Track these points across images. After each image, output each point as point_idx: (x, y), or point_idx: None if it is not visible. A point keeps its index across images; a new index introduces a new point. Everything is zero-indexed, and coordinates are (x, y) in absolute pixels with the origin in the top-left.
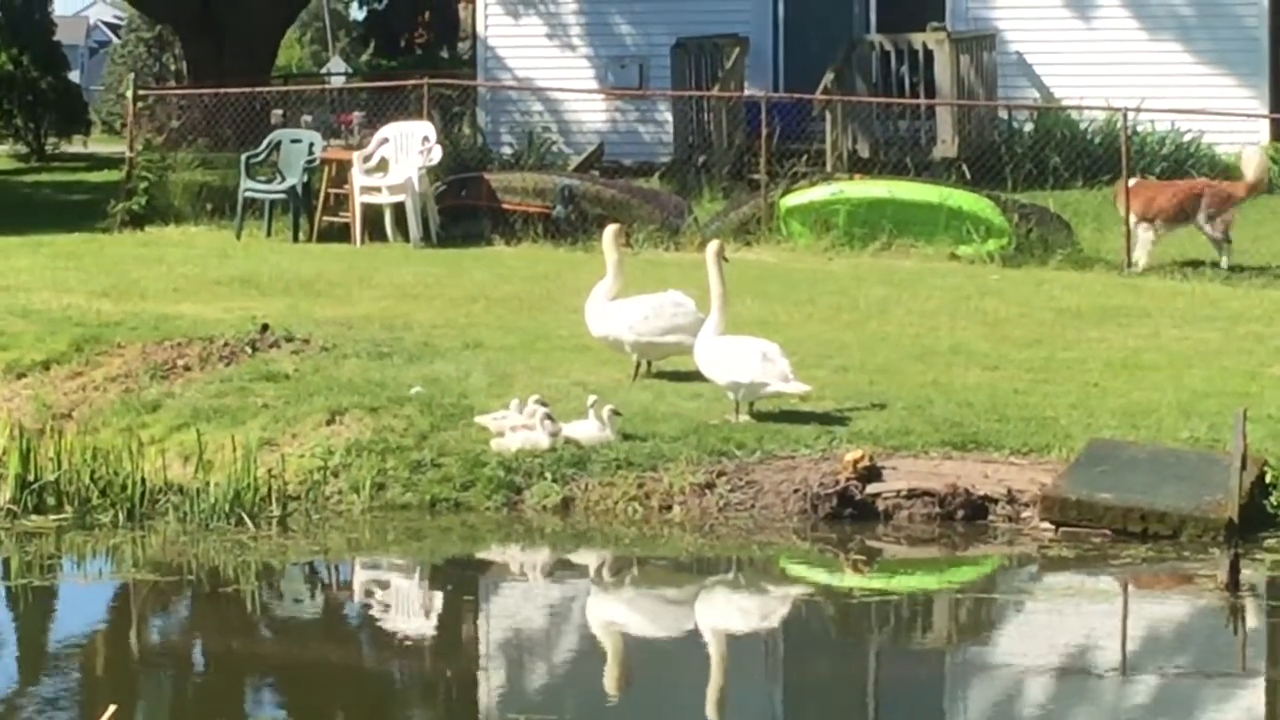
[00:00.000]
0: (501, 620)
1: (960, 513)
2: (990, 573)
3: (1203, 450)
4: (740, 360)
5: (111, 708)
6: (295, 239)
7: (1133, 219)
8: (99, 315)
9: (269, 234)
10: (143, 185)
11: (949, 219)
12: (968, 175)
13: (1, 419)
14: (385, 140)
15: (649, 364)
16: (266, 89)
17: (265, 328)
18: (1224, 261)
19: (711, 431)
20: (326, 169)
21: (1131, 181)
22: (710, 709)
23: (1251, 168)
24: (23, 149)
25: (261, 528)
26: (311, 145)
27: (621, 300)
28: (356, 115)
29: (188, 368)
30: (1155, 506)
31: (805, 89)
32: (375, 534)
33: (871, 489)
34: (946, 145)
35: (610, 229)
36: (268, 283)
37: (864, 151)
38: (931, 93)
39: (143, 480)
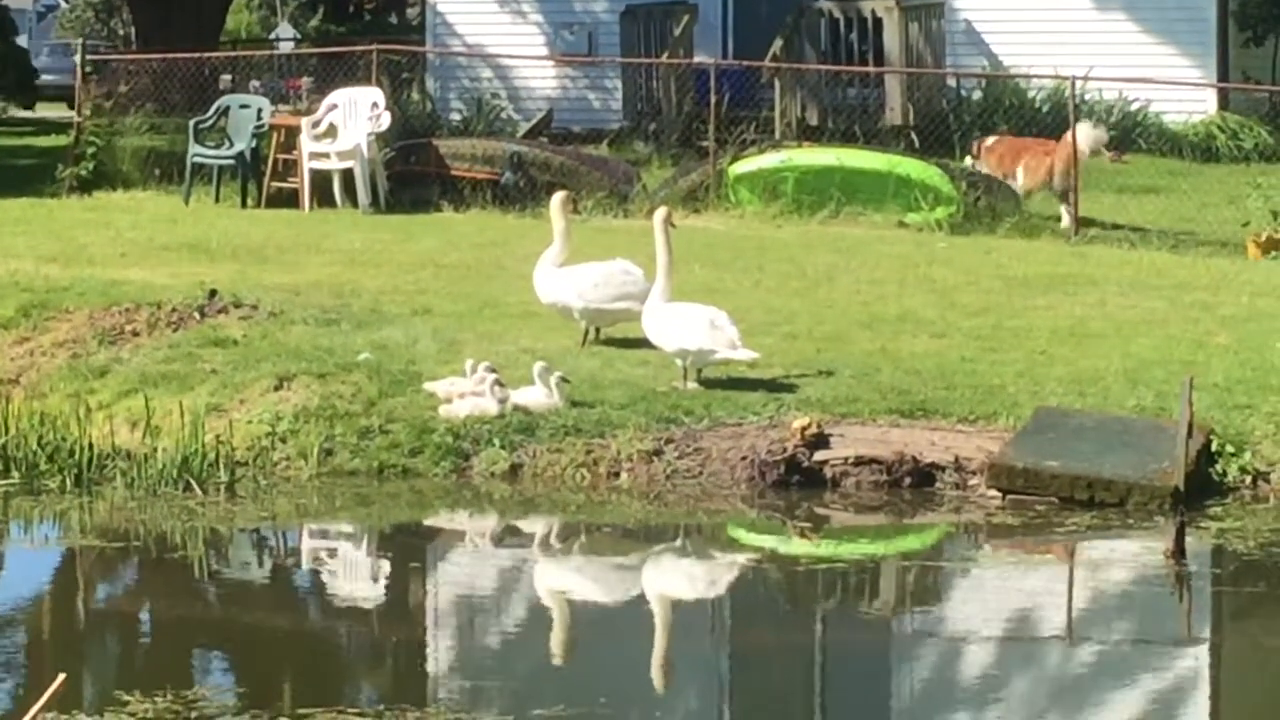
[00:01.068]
0: (449, 586)
1: (907, 480)
2: (937, 540)
3: (1149, 418)
4: (688, 327)
5: (61, 677)
6: (244, 205)
7: (987, 172)
8: (46, 280)
9: (217, 199)
10: (90, 150)
11: (897, 187)
12: (916, 143)
13: None
14: (334, 106)
15: (597, 331)
16: (215, 54)
17: (213, 293)
18: (1064, 218)
19: (659, 399)
20: (275, 134)
21: (990, 139)
22: (655, 674)
23: (1083, 142)
24: None
25: (209, 493)
26: (260, 111)
27: (570, 267)
28: (305, 81)
29: (136, 333)
30: (1102, 474)
31: (754, 56)
32: (323, 500)
33: (819, 456)
34: (895, 113)
35: (557, 196)
36: (216, 248)
37: (813, 119)
38: (880, 60)
39: (90, 446)
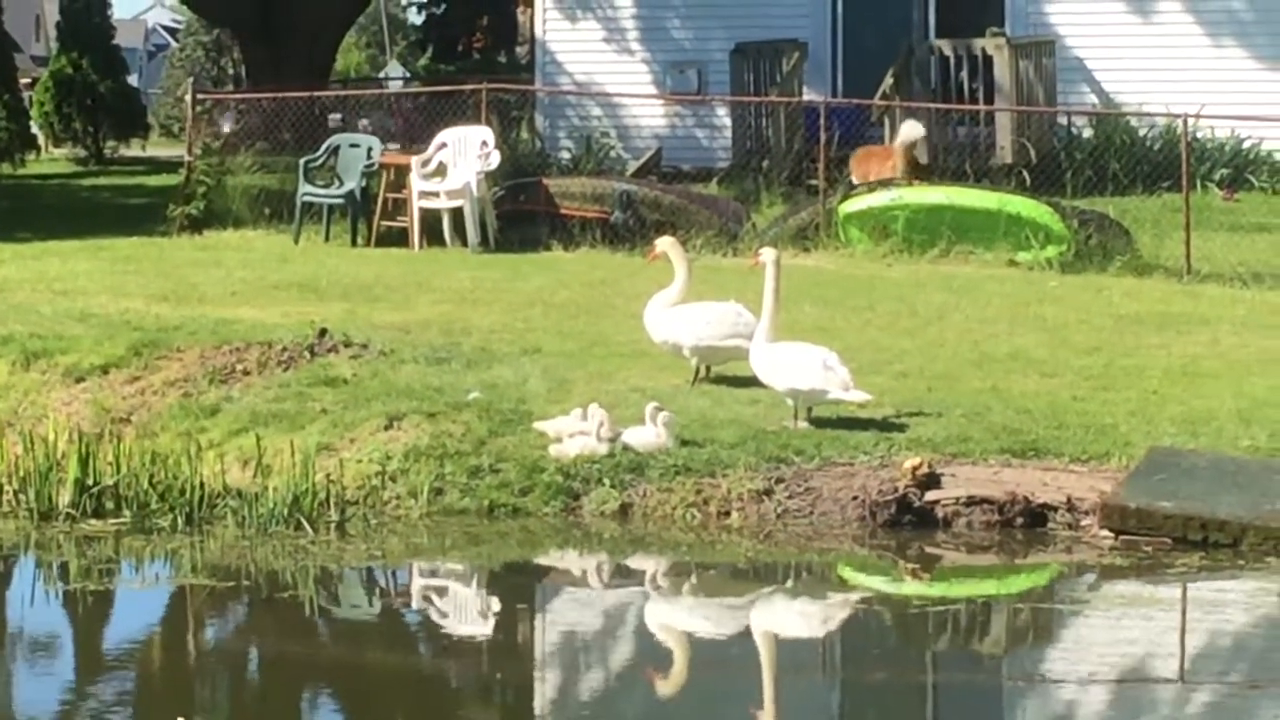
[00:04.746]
0: (559, 626)
1: (1019, 520)
2: (1049, 581)
3: (1263, 459)
4: (801, 367)
5: None
6: (353, 244)
7: (856, 182)
8: (157, 319)
9: (327, 238)
10: (201, 189)
11: (1008, 225)
12: (1027, 181)
13: (60, 423)
14: (443, 145)
15: (708, 370)
16: (325, 93)
17: (323, 332)
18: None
19: (770, 438)
20: (385, 174)
21: (856, 153)
22: (766, 715)
23: (903, 136)
24: (81, 152)
25: (320, 532)
26: (370, 150)
27: (682, 306)
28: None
29: (246, 372)
30: (1215, 515)
31: (864, 94)
32: (433, 539)
33: (930, 496)
34: (1005, 151)
35: (672, 239)
36: (326, 287)
37: (922, 157)
38: (991, 98)
39: (201, 484)
